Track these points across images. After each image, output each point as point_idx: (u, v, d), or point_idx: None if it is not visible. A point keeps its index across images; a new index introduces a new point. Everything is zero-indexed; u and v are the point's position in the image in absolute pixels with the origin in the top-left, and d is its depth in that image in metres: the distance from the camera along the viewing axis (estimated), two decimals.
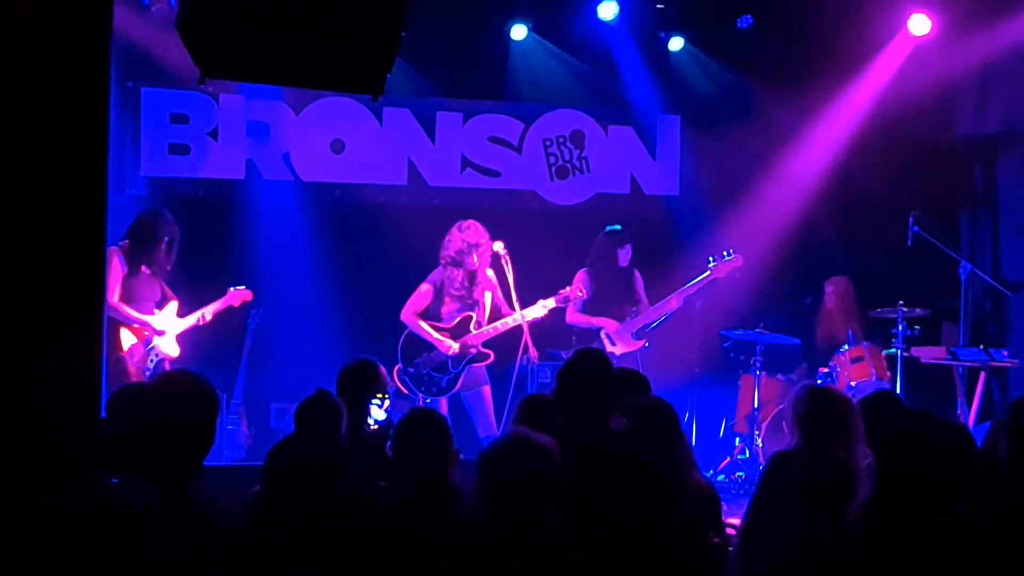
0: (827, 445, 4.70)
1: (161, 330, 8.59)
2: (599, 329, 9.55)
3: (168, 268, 8.73)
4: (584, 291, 9.41)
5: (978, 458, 4.04)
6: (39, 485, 3.18)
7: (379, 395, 5.80)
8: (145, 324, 8.52)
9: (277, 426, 9.90)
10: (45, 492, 3.01)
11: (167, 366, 8.55)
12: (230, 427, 9.51)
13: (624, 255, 9.67)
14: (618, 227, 9.78)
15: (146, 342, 8.53)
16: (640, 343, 9.56)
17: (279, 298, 10.05)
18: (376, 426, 5.80)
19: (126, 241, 8.51)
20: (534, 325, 9.05)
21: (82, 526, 2.83)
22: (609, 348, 9.45)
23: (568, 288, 9.15)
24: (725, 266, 9.61)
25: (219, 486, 4.15)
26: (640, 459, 4.74)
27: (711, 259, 9.64)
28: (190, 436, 3.86)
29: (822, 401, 4.97)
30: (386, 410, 5.80)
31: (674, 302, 9.59)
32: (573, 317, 9.60)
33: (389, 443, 5.69)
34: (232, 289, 9.11)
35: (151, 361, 8.54)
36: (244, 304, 9.26)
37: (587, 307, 9.59)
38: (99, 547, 2.82)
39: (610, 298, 9.61)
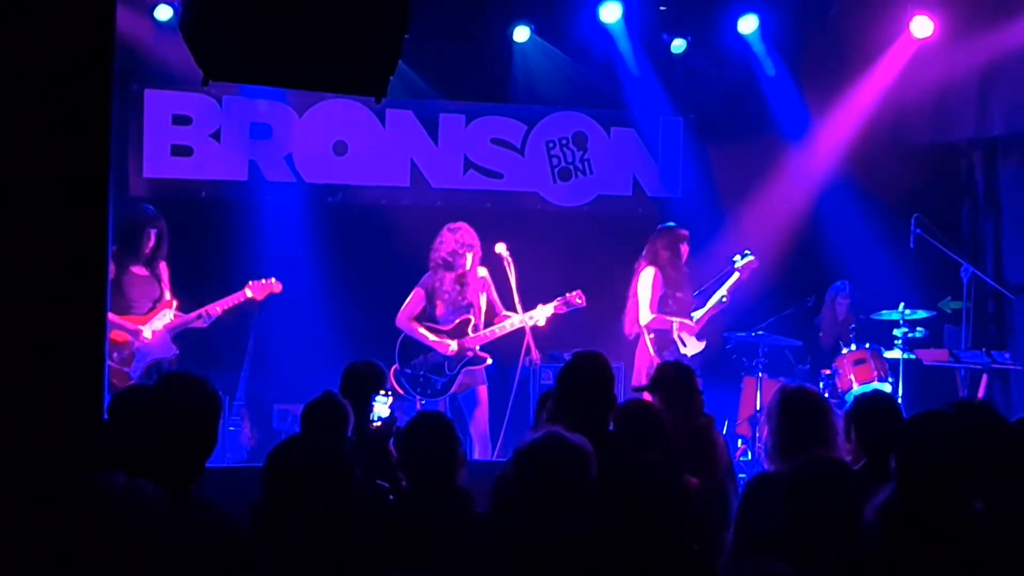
0: (803, 445, 4.68)
1: (142, 332, 8.50)
2: (677, 331, 9.40)
3: (160, 262, 8.65)
4: (646, 289, 9.33)
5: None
6: (41, 485, 3.19)
7: (383, 391, 5.81)
8: (123, 326, 8.43)
9: (279, 427, 9.90)
10: (47, 492, 3.01)
11: (165, 366, 8.53)
12: (232, 428, 9.51)
13: (684, 251, 9.61)
14: (672, 223, 9.74)
15: (130, 343, 8.47)
16: (703, 344, 9.51)
17: (282, 299, 10.02)
18: (379, 423, 5.81)
19: (114, 246, 8.44)
20: (536, 326, 9.04)
21: (89, 524, 2.83)
22: (682, 350, 9.34)
23: (570, 294, 9.09)
24: (747, 267, 9.62)
25: (221, 487, 4.16)
26: (641, 461, 4.74)
27: (736, 259, 9.63)
28: (193, 438, 3.87)
29: (793, 401, 4.97)
30: (390, 406, 5.80)
31: (722, 305, 9.60)
32: (654, 318, 9.33)
33: (392, 440, 5.72)
34: (252, 283, 8.99)
35: (138, 362, 8.47)
36: (269, 296, 9.14)
37: (663, 306, 9.41)
38: (106, 546, 2.83)
39: (677, 295, 9.51)
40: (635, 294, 9.43)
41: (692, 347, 9.42)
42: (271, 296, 9.34)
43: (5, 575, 2.81)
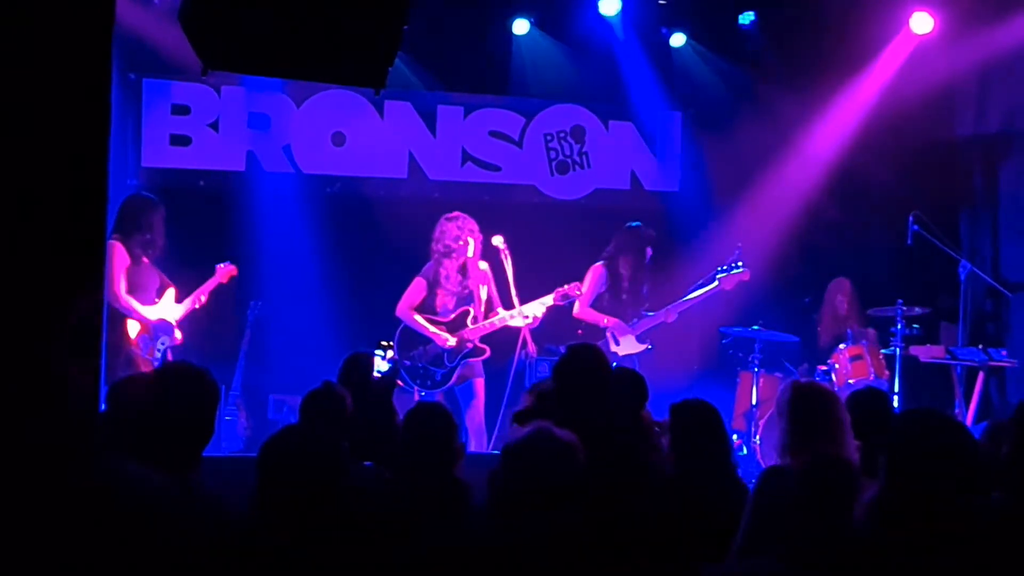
0: (815, 441, 4.69)
1: (162, 321, 8.57)
2: (606, 327, 9.53)
3: (159, 247, 8.70)
4: (587, 285, 9.42)
5: (981, 454, 4.06)
6: (39, 477, 3.19)
7: (383, 343, 5.83)
8: (145, 319, 8.49)
9: (275, 417, 9.92)
10: (46, 482, 3.01)
11: (170, 355, 8.58)
12: (228, 418, 9.53)
13: (646, 253, 9.64)
14: (639, 223, 9.78)
15: (153, 333, 8.53)
16: (644, 346, 9.55)
17: (278, 290, 10.05)
18: (379, 375, 5.81)
19: (119, 233, 8.47)
20: (536, 319, 9.05)
21: (101, 510, 2.84)
22: (613, 347, 9.43)
23: (567, 286, 9.12)
24: (732, 278, 9.60)
25: (217, 476, 4.16)
26: (637, 455, 4.76)
27: (719, 269, 9.63)
28: (190, 426, 3.88)
29: (806, 396, 4.97)
30: (389, 360, 5.82)
31: (678, 310, 9.59)
32: (583, 312, 9.54)
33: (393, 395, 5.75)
34: (219, 266, 9.01)
35: (158, 350, 8.55)
36: (232, 280, 9.08)
37: (597, 303, 9.57)
38: (117, 531, 2.83)
39: (621, 296, 9.59)
40: None
41: (627, 347, 9.51)
42: (269, 287, 9.35)
43: (13, 564, 2.81)
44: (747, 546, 4.56)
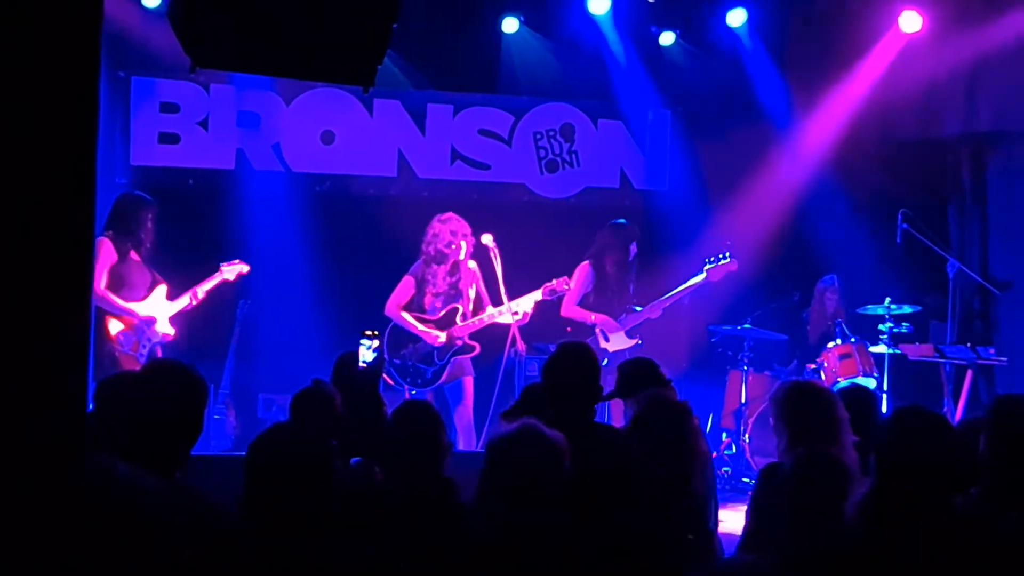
0: (814, 440, 4.69)
1: (150, 317, 8.55)
2: (594, 324, 9.52)
3: (149, 245, 8.69)
4: (574, 283, 9.40)
5: (972, 453, 4.08)
6: (28, 477, 3.18)
7: (367, 332, 5.81)
8: (132, 313, 8.49)
9: (264, 416, 9.90)
10: (35, 483, 3.00)
11: (159, 351, 8.55)
12: (217, 417, 9.51)
13: (631, 250, 9.64)
14: (623, 221, 9.77)
15: (137, 329, 8.51)
16: (633, 341, 9.54)
17: (268, 288, 10.03)
18: (365, 365, 5.80)
19: (111, 231, 8.47)
20: (525, 314, 9.04)
21: (90, 510, 2.83)
22: (603, 344, 9.42)
23: (555, 281, 9.12)
24: (720, 269, 9.59)
25: (206, 475, 4.15)
26: (626, 454, 4.75)
27: (707, 261, 9.62)
28: (178, 425, 3.87)
29: (804, 396, 4.96)
30: (374, 350, 5.80)
31: (668, 303, 9.58)
32: (569, 310, 9.53)
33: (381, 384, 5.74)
34: (224, 265, 8.98)
35: (144, 346, 8.52)
36: (240, 277, 9.06)
37: (584, 301, 9.57)
38: (106, 532, 2.82)
39: (608, 293, 9.58)
40: None
41: (616, 343, 9.50)
42: (258, 285, 9.32)
43: (2, 565, 2.81)
44: (749, 543, 4.57)
